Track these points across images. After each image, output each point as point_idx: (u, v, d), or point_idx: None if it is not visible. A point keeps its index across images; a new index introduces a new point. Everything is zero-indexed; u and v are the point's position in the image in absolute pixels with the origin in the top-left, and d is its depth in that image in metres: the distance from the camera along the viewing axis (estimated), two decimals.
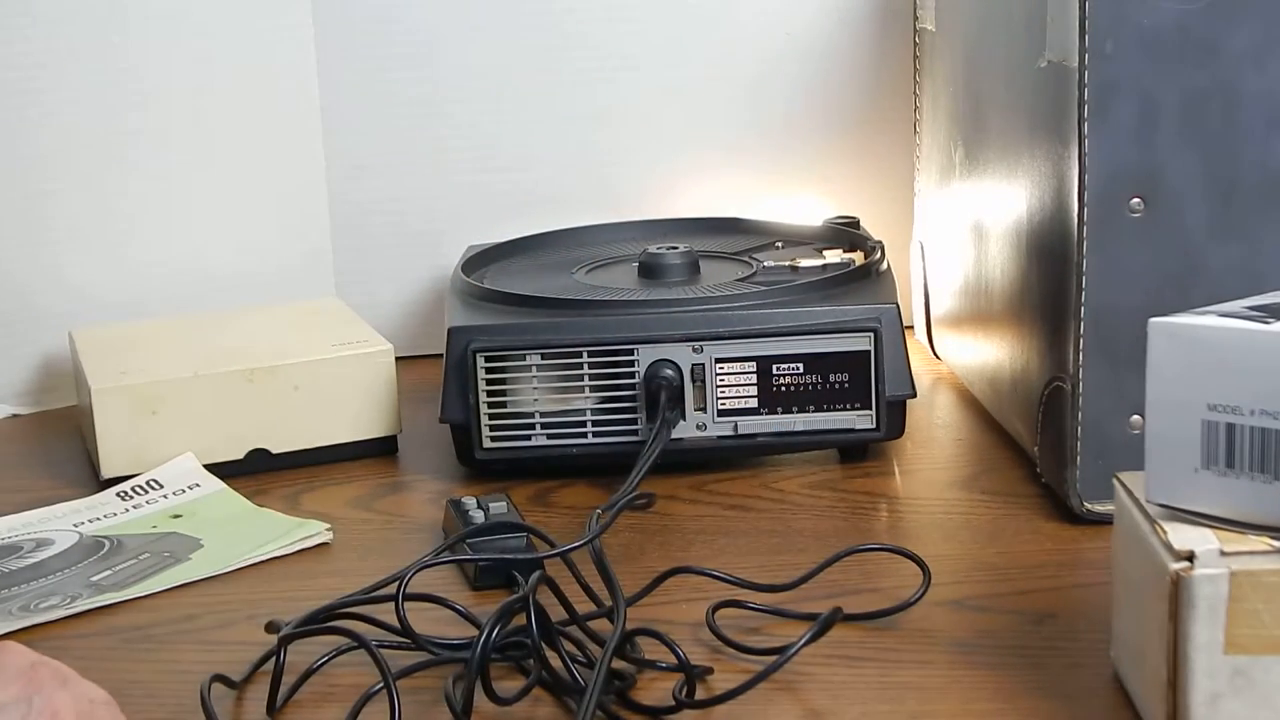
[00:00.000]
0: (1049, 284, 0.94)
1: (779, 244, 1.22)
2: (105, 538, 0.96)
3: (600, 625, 0.79)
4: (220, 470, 1.06)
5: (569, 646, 0.76)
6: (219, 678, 0.76)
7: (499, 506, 0.94)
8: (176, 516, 1.00)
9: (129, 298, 1.28)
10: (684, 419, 1.02)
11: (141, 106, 1.27)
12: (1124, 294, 0.88)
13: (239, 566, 0.92)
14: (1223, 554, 0.63)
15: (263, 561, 0.92)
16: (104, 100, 1.26)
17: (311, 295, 1.31)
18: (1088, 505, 0.91)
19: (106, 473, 1.05)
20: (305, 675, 0.76)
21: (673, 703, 0.73)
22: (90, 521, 0.99)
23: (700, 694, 0.73)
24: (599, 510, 0.87)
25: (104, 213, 1.27)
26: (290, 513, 1.00)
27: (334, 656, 0.77)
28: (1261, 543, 0.64)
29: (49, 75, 1.24)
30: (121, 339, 1.15)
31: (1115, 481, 0.73)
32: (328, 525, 0.97)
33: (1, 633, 0.83)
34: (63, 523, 0.99)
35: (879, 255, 1.13)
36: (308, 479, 1.07)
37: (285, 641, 0.76)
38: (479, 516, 0.92)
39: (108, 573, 0.91)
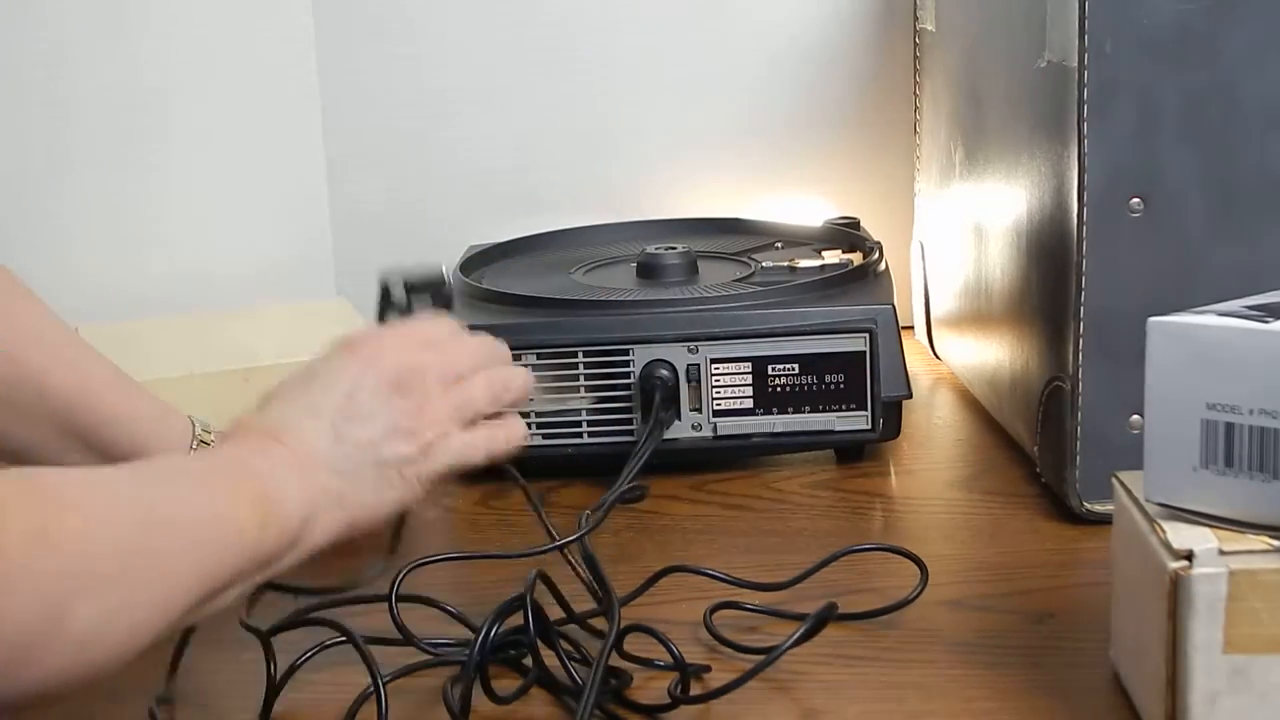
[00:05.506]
0: (1049, 284, 0.93)
1: (778, 244, 1.22)
2: None
3: (597, 624, 0.79)
4: None
5: (566, 646, 0.76)
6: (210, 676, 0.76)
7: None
8: None
9: (134, 296, 1.28)
10: (679, 419, 1.01)
11: (144, 107, 1.27)
12: (1123, 294, 0.88)
13: None
14: (1221, 553, 0.63)
15: None
16: (108, 101, 1.26)
17: (312, 295, 1.31)
18: (1087, 505, 0.91)
19: None
20: (290, 669, 0.75)
21: (668, 700, 0.73)
22: None
23: (696, 691, 0.73)
24: (587, 512, 0.87)
25: (108, 212, 1.27)
26: None
27: (318, 651, 0.76)
28: (1260, 542, 0.64)
29: (55, 76, 1.24)
30: (124, 336, 1.15)
31: (1114, 481, 0.72)
32: None
33: None
34: None
35: (877, 256, 1.13)
36: None
37: (269, 634, 0.75)
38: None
39: None
